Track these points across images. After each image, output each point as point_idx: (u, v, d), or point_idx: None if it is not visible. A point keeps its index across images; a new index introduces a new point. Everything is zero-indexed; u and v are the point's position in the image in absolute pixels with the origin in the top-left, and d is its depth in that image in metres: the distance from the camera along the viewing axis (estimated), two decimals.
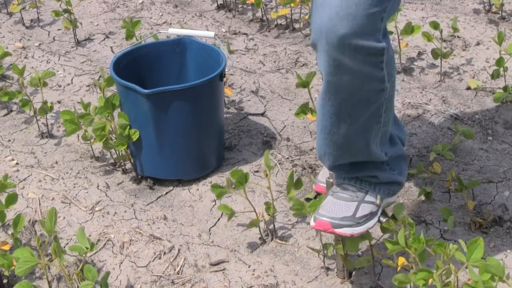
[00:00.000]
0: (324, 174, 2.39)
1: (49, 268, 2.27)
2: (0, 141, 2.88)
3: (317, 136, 2.09)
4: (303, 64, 3.24)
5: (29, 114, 3.02)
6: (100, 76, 3.19)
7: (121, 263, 2.31)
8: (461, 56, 3.23)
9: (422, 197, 2.48)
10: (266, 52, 3.35)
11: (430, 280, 1.86)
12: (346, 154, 2.07)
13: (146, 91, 2.45)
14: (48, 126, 2.90)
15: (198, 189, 2.59)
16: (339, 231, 2.03)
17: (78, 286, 2.10)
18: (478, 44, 3.29)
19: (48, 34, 3.60)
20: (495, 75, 2.90)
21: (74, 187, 2.62)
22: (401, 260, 2.05)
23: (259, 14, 3.64)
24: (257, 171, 2.65)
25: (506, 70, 2.90)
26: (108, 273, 2.08)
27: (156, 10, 3.75)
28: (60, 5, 3.65)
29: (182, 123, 2.52)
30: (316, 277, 2.23)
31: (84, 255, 2.09)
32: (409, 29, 3.06)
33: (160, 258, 2.32)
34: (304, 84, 2.61)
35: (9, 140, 2.88)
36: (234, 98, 3.05)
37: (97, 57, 3.40)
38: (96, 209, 2.52)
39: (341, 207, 2.06)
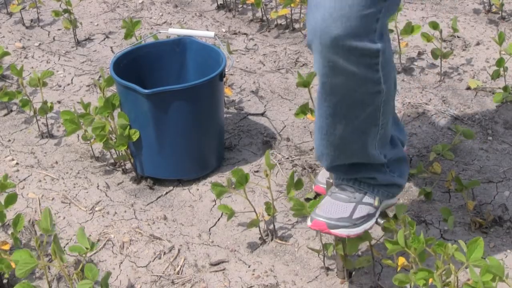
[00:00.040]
0: (323, 174, 2.39)
1: (49, 268, 2.27)
2: (0, 141, 2.88)
3: (314, 137, 2.08)
4: (303, 64, 3.24)
5: (29, 114, 3.02)
6: (100, 76, 3.19)
7: (121, 263, 2.31)
8: (461, 56, 3.23)
9: (422, 197, 2.48)
10: (266, 52, 3.35)
11: (430, 280, 1.86)
12: (343, 155, 2.06)
13: (146, 91, 2.45)
14: (48, 126, 2.89)
15: (198, 189, 2.59)
16: (335, 231, 2.03)
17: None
18: (478, 44, 3.29)
19: (48, 34, 3.60)
20: (495, 75, 2.90)
21: (74, 187, 2.62)
22: (401, 260, 2.05)
23: (259, 14, 3.64)
24: (257, 171, 2.65)
25: (506, 70, 2.90)
26: (109, 273, 2.07)
27: (156, 10, 3.75)
28: (60, 5, 3.65)
29: (182, 123, 2.52)
30: (316, 277, 2.23)
31: (84, 255, 2.09)
32: (409, 29, 3.06)
33: (160, 258, 2.32)
34: (305, 83, 2.61)
35: (9, 140, 2.88)
36: (234, 98, 3.05)
37: (97, 57, 3.40)
38: (96, 209, 2.52)
39: (338, 208, 2.06)
